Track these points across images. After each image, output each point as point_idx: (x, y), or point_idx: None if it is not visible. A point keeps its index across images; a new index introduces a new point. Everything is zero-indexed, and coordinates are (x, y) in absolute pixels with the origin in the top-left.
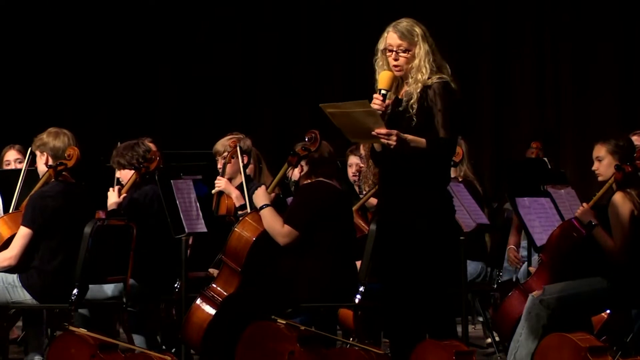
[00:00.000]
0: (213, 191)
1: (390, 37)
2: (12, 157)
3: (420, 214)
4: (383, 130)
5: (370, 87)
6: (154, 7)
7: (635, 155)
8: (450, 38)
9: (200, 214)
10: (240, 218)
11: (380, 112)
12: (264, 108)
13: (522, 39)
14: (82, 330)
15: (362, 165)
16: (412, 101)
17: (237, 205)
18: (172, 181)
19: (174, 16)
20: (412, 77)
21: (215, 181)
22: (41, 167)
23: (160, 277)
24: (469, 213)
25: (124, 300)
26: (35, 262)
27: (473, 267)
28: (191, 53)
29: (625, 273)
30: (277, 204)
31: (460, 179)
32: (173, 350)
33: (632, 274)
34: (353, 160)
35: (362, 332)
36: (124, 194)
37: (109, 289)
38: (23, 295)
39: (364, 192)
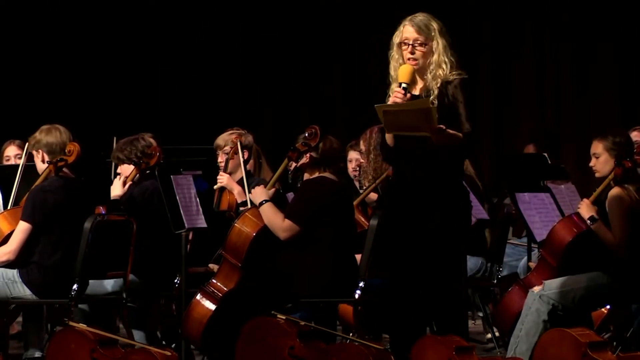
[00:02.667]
0: (215, 187)
1: (407, 31)
2: (12, 153)
3: (439, 207)
4: (442, 127)
5: (369, 87)
6: (154, 7)
7: (635, 150)
8: (451, 38)
9: (200, 209)
10: (241, 213)
11: None
12: (264, 108)
13: (522, 39)
14: (82, 326)
15: (362, 160)
16: (432, 97)
17: (239, 201)
18: (172, 176)
19: (174, 16)
20: (430, 73)
21: (218, 177)
22: (40, 166)
23: (160, 272)
24: None
25: (124, 295)
26: (35, 258)
27: (473, 263)
28: (191, 53)
29: (625, 268)
30: (277, 199)
31: None
32: (173, 345)
33: (632, 269)
34: (353, 155)
35: (362, 328)
36: (130, 182)
37: (108, 284)
38: (23, 291)
39: (364, 188)
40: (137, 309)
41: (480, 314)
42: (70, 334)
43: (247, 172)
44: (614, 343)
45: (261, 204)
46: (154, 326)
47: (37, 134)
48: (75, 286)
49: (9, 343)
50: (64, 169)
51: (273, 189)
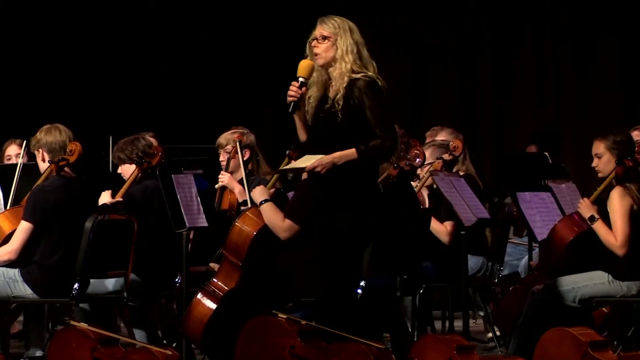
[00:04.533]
0: (216, 186)
1: (316, 29)
2: (13, 152)
3: (341, 207)
4: (309, 168)
5: None
6: (154, 7)
7: (636, 149)
8: (450, 38)
9: (201, 208)
10: (241, 213)
11: (296, 99)
12: (264, 108)
13: (522, 39)
14: (83, 325)
15: None
16: (338, 97)
17: (240, 200)
18: (173, 175)
19: (174, 16)
20: (336, 70)
21: (219, 176)
22: (42, 165)
23: (161, 271)
24: (469, 207)
25: (125, 294)
26: (36, 257)
27: (474, 262)
28: (191, 53)
29: (625, 267)
30: (277, 198)
31: (461, 173)
32: (174, 344)
33: (633, 268)
34: None
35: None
36: (118, 199)
37: (110, 283)
38: (24, 290)
39: None
40: (138, 308)
41: (481, 313)
42: (71, 333)
43: (249, 171)
44: (615, 342)
45: (261, 203)
46: (155, 325)
47: (37, 134)
48: (76, 285)
49: (10, 342)
50: (66, 169)
51: (273, 189)
